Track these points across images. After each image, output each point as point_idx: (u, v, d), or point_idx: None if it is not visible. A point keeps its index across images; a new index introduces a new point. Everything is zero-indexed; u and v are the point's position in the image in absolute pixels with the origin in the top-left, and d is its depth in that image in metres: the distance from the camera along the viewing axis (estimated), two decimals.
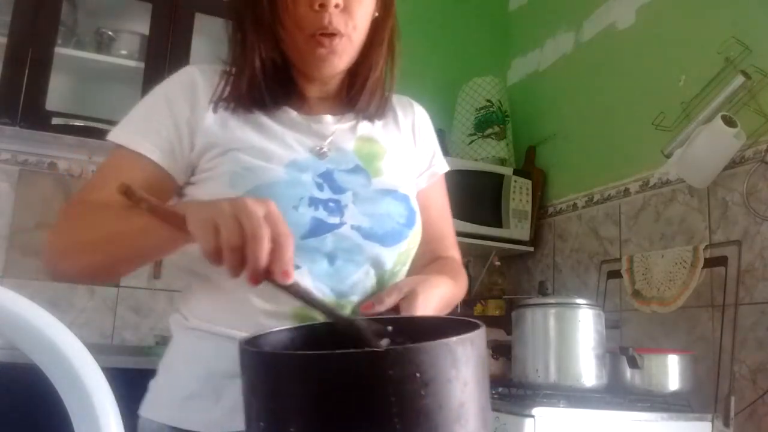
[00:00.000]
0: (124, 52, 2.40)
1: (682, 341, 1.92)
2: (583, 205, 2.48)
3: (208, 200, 0.69)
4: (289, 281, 0.62)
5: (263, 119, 0.89)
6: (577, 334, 1.63)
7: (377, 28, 0.91)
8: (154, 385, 0.89)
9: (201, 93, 0.88)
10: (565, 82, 2.68)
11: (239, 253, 0.61)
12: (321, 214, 0.83)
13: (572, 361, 1.62)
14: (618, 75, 2.40)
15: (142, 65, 2.34)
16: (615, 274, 2.18)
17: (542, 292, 1.74)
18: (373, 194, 0.88)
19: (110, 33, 2.42)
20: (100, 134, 2.33)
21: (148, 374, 0.89)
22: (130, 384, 0.84)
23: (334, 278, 0.83)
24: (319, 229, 0.82)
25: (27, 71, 2.19)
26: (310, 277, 0.81)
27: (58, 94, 2.32)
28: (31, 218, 2.41)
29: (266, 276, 0.62)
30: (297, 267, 0.78)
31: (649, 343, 1.99)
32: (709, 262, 1.87)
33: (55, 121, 2.21)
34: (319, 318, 0.69)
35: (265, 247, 0.61)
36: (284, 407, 0.51)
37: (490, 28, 3.06)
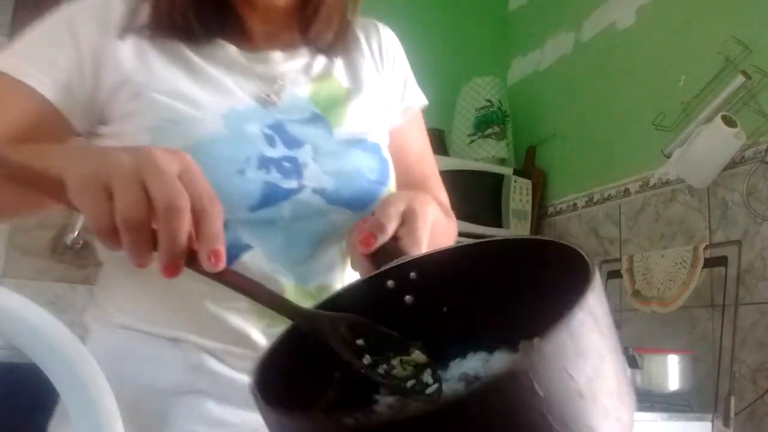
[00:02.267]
0: None
1: (682, 341, 1.92)
2: (583, 205, 2.48)
3: (98, 146, 0.53)
4: (220, 267, 0.45)
5: (192, 56, 0.69)
6: None
7: None
8: (60, 421, 0.67)
9: (116, 14, 0.69)
10: (565, 82, 2.68)
11: (146, 230, 0.43)
12: (274, 177, 0.65)
13: None
14: (618, 75, 2.40)
15: None
16: (615, 274, 2.18)
17: None
18: (337, 147, 0.71)
19: None
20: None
21: None
22: None
23: (295, 257, 0.66)
24: (273, 196, 0.65)
25: None
26: (265, 258, 0.65)
27: None
28: (31, 218, 2.41)
29: (189, 263, 0.45)
30: (248, 247, 0.64)
31: (649, 343, 1.98)
32: (709, 262, 1.87)
33: None
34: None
35: (186, 220, 0.43)
36: None
37: (490, 28, 3.06)
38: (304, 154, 0.69)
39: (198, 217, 0.44)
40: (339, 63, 0.78)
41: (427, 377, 0.45)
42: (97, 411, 0.50)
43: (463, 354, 0.49)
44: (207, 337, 0.65)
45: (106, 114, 0.68)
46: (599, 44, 2.53)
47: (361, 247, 0.56)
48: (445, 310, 0.50)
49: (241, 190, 0.63)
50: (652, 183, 2.18)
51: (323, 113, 0.73)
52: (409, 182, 0.81)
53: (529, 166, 2.74)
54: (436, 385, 0.44)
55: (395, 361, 0.45)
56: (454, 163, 2.46)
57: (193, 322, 0.65)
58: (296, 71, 0.75)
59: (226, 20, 0.72)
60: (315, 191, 0.68)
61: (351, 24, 0.80)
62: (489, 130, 2.66)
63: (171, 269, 0.44)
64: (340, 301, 0.50)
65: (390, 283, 0.50)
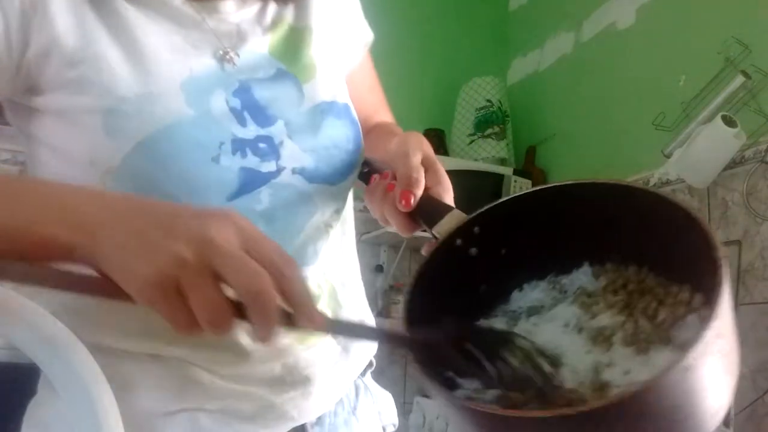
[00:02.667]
0: None
1: None
2: None
3: (117, 203, 0.44)
4: (320, 325, 0.44)
5: (129, 9, 0.59)
6: None
7: None
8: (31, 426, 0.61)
9: None
10: (565, 82, 2.68)
11: (232, 319, 0.41)
12: (251, 161, 0.60)
13: None
14: (618, 75, 2.39)
15: None
16: None
17: None
18: (310, 117, 0.65)
19: None
20: None
21: None
22: None
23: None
24: (251, 183, 0.60)
25: None
26: None
27: None
28: None
29: (285, 324, 0.43)
30: None
31: None
32: None
33: None
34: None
35: (275, 299, 0.42)
36: None
37: (490, 28, 3.06)
38: (278, 132, 0.63)
39: (280, 284, 0.42)
40: (290, 5, 0.70)
41: (541, 362, 0.47)
42: (97, 411, 0.50)
43: (519, 287, 0.56)
44: (193, 349, 0.60)
45: (37, 79, 0.57)
46: (599, 44, 2.53)
47: (401, 206, 0.57)
48: (503, 252, 0.56)
49: (218, 180, 0.57)
50: (652, 183, 2.18)
51: (288, 68, 0.66)
52: (364, 116, 0.78)
53: (529, 166, 2.74)
54: (556, 371, 0.46)
55: (506, 353, 0.47)
56: (454, 163, 2.46)
57: (174, 333, 0.60)
58: (250, 22, 0.66)
59: None
60: (295, 171, 0.63)
61: None
62: (489, 130, 2.66)
63: (269, 339, 0.42)
64: (426, 271, 0.54)
65: (458, 241, 0.55)
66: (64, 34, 0.56)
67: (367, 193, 0.65)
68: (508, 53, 3.06)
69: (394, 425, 0.75)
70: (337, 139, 0.67)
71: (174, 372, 0.60)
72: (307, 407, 0.65)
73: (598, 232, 0.53)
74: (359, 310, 0.73)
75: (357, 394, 0.72)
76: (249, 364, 0.62)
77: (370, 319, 0.76)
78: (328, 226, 0.67)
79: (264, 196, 0.61)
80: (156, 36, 0.60)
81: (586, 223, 0.53)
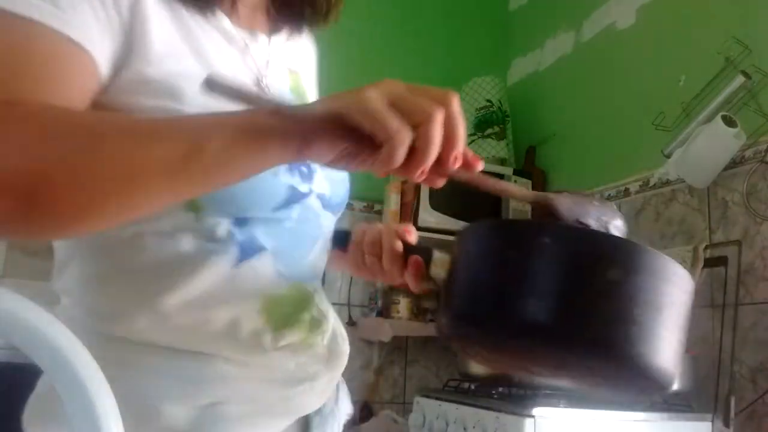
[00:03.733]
0: None
1: None
2: None
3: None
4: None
5: (200, 30, 0.64)
6: None
7: None
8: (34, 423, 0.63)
9: None
10: (565, 82, 2.68)
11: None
12: (296, 180, 0.66)
13: None
14: (618, 75, 2.40)
15: None
16: None
17: None
18: None
19: None
20: None
21: None
22: None
23: (295, 259, 0.69)
24: (292, 199, 0.66)
25: None
26: (273, 260, 0.66)
27: None
28: None
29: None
30: (262, 248, 0.65)
31: None
32: (709, 262, 1.87)
33: None
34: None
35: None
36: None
37: (490, 28, 3.06)
38: None
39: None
40: (293, 48, 0.78)
41: None
42: (96, 411, 0.50)
43: None
44: (220, 345, 0.64)
45: (118, 75, 0.58)
46: (599, 44, 2.53)
47: (412, 271, 0.64)
48: None
49: (273, 192, 0.64)
50: (652, 183, 2.18)
51: None
52: None
53: (529, 166, 2.74)
54: None
55: None
56: None
57: (203, 332, 0.63)
58: (277, 58, 0.74)
59: None
60: (317, 196, 0.71)
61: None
62: (489, 130, 2.66)
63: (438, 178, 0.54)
64: None
65: None
66: (156, 38, 0.60)
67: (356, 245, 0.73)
68: (508, 53, 3.06)
69: (348, 415, 0.82)
70: (343, 174, 0.75)
71: (202, 366, 0.63)
72: (313, 400, 0.73)
73: None
74: (333, 314, 0.79)
75: (338, 389, 0.81)
76: (269, 361, 0.67)
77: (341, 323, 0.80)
78: (325, 247, 0.75)
79: (294, 213, 0.68)
80: (223, 57, 0.66)
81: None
